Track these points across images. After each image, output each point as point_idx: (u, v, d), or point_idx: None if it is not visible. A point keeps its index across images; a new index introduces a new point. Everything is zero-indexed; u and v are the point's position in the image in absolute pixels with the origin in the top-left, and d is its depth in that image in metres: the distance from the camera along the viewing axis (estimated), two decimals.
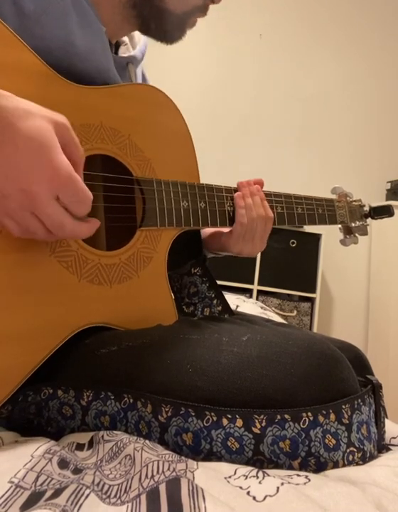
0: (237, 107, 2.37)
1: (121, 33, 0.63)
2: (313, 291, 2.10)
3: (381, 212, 0.86)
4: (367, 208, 0.87)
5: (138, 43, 0.68)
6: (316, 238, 2.08)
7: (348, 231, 0.87)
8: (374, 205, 0.87)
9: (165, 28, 0.61)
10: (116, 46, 0.67)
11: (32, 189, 0.36)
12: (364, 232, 0.87)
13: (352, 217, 0.84)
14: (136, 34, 0.69)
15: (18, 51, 0.44)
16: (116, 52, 0.67)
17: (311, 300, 2.14)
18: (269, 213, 0.64)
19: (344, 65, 2.44)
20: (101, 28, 0.53)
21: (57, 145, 0.37)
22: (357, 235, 0.87)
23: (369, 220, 0.87)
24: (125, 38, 0.68)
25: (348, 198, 0.84)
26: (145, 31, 0.64)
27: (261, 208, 0.63)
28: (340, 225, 0.86)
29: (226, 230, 0.65)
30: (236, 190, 0.64)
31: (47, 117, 0.37)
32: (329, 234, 2.04)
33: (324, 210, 0.76)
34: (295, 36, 2.42)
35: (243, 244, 0.64)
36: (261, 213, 0.63)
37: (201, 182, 0.61)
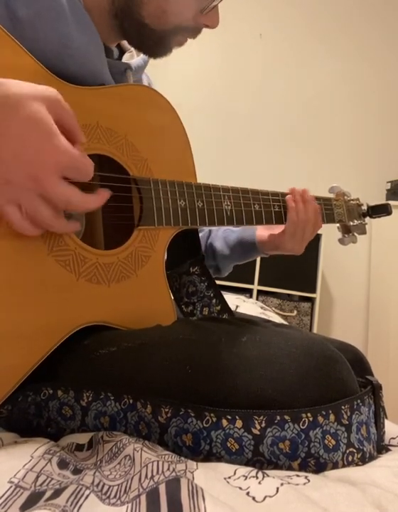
0: (237, 106, 2.37)
1: (110, 40, 0.63)
2: (313, 291, 2.11)
3: (378, 210, 0.86)
4: (364, 207, 0.87)
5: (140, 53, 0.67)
6: (316, 238, 2.07)
7: (346, 230, 0.87)
8: (371, 203, 0.87)
9: (146, 43, 0.60)
10: (120, 52, 0.67)
11: (38, 175, 0.37)
12: (362, 231, 0.87)
13: (350, 216, 0.84)
14: None
15: (12, 51, 0.44)
16: (119, 58, 0.67)
17: (311, 300, 2.14)
18: (318, 220, 0.73)
19: (344, 65, 2.44)
20: (96, 32, 0.53)
21: (54, 127, 0.38)
22: (355, 234, 0.87)
23: (367, 219, 0.88)
24: (130, 45, 0.67)
25: (346, 197, 0.85)
26: (129, 42, 0.64)
27: (312, 213, 0.71)
28: (338, 224, 0.86)
29: (278, 230, 0.73)
30: (233, 189, 0.64)
31: (38, 97, 0.37)
32: (329, 234, 2.04)
33: (322, 209, 0.76)
34: (295, 36, 2.43)
35: (293, 242, 0.72)
36: (310, 218, 0.71)
37: (199, 181, 0.61)
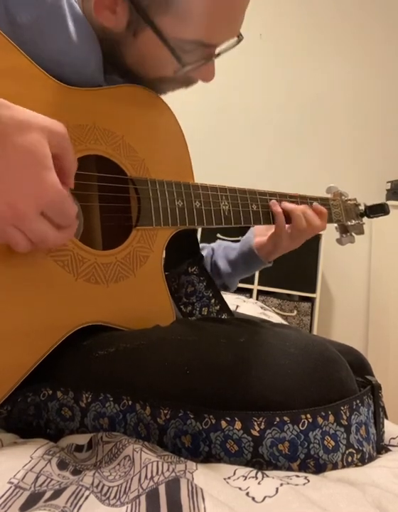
0: (237, 106, 2.37)
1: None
2: (313, 291, 2.10)
3: (376, 210, 0.86)
4: (362, 207, 0.87)
5: None
6: (316, 238, 2.08)
7: (344, 230, 0.87)
8: (369, 203, 0.87)
9: (137, 82, 0.58)
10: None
11: (18, 205, 0.36)
12: (360, 230, 0.87)
13: (348, 215, 0.85)
14: None
15: (10, 54, 0.44)
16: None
17: (311, 300, 2.14)
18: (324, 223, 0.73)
19: (344, 65, 2.44)
20: (96, 40, 0.53)
21: (49, 162, 0.36)
22: (353, 234, 0.87)
23: (365, 218, 0.88)
24: None
25: (343, 197, 0.85)
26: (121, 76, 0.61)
27: (316, 219, 0.71)
28: (336, 224, 0.86)
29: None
30: (230, 189, 0.64)
31: (43, 128, 0.36)
32: (329, 234, 2.04)
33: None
34: (295, 36, 2.43)
35: (291, 242, 0.72)
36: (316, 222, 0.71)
37: (197, 181, 0.61)
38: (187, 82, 0.60)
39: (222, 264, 0.78)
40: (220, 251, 0.83)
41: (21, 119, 0.35)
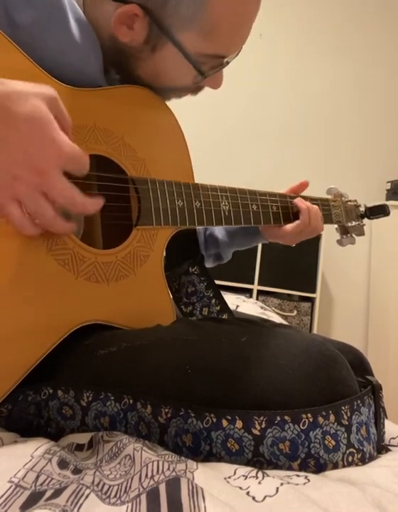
0: (237, 107, 2.37)
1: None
2: (313, 291, 2.10)
3: (376, 212, 0.86)
4: (362, 208, 0.87)
5: None
6: (316, 238, 2.07)
7: (345, 231, 0.87)
8: (369, 204, 0.88)
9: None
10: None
11: (42, 168, 0.38)
12: (360, 232, 0.87)
13: (348, 217, 0.85)
14: None
15: (11, 54, 0.45)
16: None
17: (311, 300, 2.14)
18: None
19: (344, 65, 2.44)
20: (96, 41, 0.53)
21: (54, 122, 0.38)
22: (353, 235, 0.87)
23: (365, 220, 0.88)
24: None
25: (343, 198, 0.85)
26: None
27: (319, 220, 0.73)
28: (336, 225, 0.86)
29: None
30: (231, 189, 0.64)
31: (38, 94, 0.38)
32: (329, 234, 2.04)
33: (320, 210, 0.76)
34: (295, 36, 2.42)
35: (296, 238, 0.73)
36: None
37: (197, 181, 0.61)
38: (196, 89, 0.62)
39: (221, 235, 0.77)
40: None
41: (18, 90, 0.37)
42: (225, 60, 0.57)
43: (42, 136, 0.37)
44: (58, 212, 0.41)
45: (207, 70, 0.57)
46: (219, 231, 0.78)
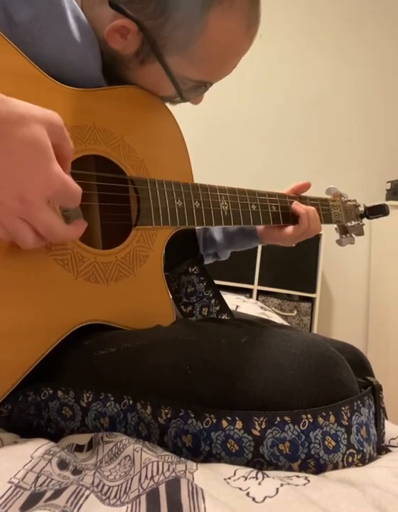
0: (237, 107, 2.37)
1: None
2: (313, 291, 2.10)
3: (376, 211, 0.86)
4: (362, 208, 0.87)
5: None
6: (316, 238, 2.08)
7: (344, 231, 0.87)
8: (369, 204, 0.88)
9: None
10: None
11: (26, 197, 0.36)
12: (360, 232, 0.87)
13: (348, 216, 0.85)
14: None
15: (8, 54, 0.44)
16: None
17: (311, 300, 2.14)
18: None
19: (344, 65, 2.44)
20: (95, 39, 0.53)
21: (51, 152, 0.37)
22: (353, 235, 0.87)
23: (364, 219, 0.88)
24: None
25: (343, 198, 0.85)
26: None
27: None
28: (336, 225, 0.86)
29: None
30: (230, 189, 0.64)
31: (41, 120, 0.37)
32: (329, 234, 2.04)
33: (319, 210, 0.76)
34: (295, 36, 2.42)
35: (296, 241, 0.74)
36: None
37: (197, 182, 0.61)
38: (178, 102, 0.63)
39: (219, 237, 0.77)
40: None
41: (19, 112, 0.36)
42: (208, 83, 0.59)
43: (34, 165, 0.36)
44: (44, 230, 0.39)
45: (189, 91, 0.58)
46: (217, 233, 0.78)
